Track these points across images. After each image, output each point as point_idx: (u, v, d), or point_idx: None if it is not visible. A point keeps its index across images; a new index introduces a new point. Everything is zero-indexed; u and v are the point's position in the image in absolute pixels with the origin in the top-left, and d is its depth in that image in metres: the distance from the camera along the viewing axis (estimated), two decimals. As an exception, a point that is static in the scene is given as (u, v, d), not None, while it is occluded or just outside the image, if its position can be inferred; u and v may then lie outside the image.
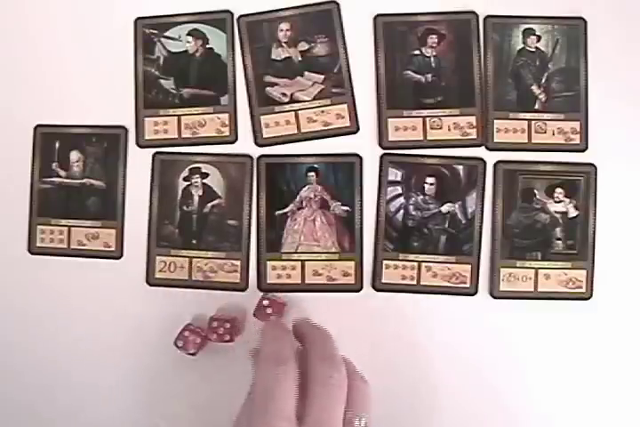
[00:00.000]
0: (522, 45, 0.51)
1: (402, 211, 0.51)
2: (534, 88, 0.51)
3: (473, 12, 0.51)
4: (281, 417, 0.34)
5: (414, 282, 0.51)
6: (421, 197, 0.51)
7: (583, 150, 0.50)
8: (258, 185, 0.51)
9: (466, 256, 0.50)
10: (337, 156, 0.51)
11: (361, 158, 0.51)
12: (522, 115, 0.51)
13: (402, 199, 0.51)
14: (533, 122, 0.50)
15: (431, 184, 0.51)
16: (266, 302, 0.49)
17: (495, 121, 0.50)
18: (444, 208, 0.51)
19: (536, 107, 0.51)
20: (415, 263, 0.51)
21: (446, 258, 0.51)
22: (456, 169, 0.51)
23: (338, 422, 0.35)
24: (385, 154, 0.51)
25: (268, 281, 0.51)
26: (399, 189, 0.51)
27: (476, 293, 0.50)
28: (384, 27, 0.51)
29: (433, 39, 0.51)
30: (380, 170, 0.51)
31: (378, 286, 0.51)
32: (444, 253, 0.51)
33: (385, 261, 0.51)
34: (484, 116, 0.50)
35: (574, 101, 0.50)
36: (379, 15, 0.51)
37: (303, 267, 0.51)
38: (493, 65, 0.51)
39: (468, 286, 0.50)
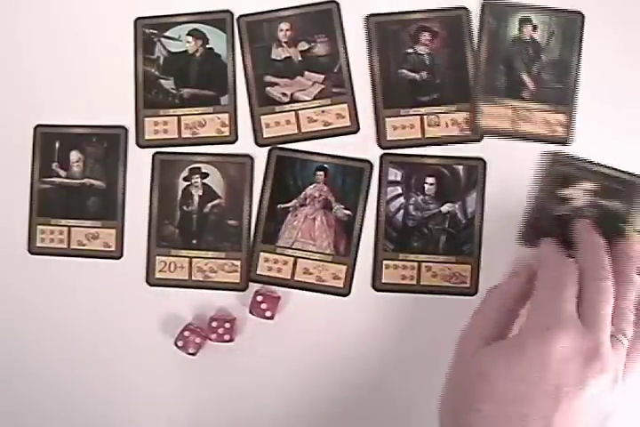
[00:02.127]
0: (517, 33, 0.51)
1: (402, 211, 0.51)
2: (524, 76, 0.51)
3: (464, 8, 0.51)
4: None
5: (414, 282, 0.51)
6: (421, 196, 0.51)
7: (566, 143, 0.50)
8: (265, 176, 0.51)
9: (466, 256, 0.50)
10: (348, 159, 0.51)
11: (371, 165, 0.51)
12: (509, 102, 0.51)
13: (402, 199, 0.51)
14: (520, 110, 0.50)
15: (431, 184, 0.51)
16: (259, 298, 0.49)
17: (482, 105, 0.50)
18: (444, 208, 0.51)
19: (523, 95, 0.51)
20: (415, 263, 0.51)
21: (446, 258, 0.51)
22: (456, 169, 0.51)
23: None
24: (385, 154, 0.51)
25: (258, 272, 0.51)
26: (399, 190, 0.51)
27: (476, 293, 0.50)
28: (376, 26, 0.51)
29: (426, 37, 0.51)
30: (380, 170, 0.51)
31: (378, 286, 0.51)
32: (444, 253, 0.51)
33: (385, 261, 0.51)
34: (472, 102, 0.50)
35: (563, 94, 0.50)
36: (370, 15, 0.51)
37: (295, 263, 0.51)
38: (486, 49, 0.51)
39: (468, 285, 0.50)
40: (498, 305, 0.45)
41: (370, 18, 0.51)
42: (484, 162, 0.50)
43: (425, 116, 0.51)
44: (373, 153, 0.51)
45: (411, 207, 0.51)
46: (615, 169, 0.49)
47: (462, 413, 0.40)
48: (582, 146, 0.50)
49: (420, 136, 0.51)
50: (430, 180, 0.51)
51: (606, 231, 0.47)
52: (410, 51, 0.51)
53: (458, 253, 0.50)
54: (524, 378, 0.38)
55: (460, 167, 0.51)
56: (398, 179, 0.51)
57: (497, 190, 0.50)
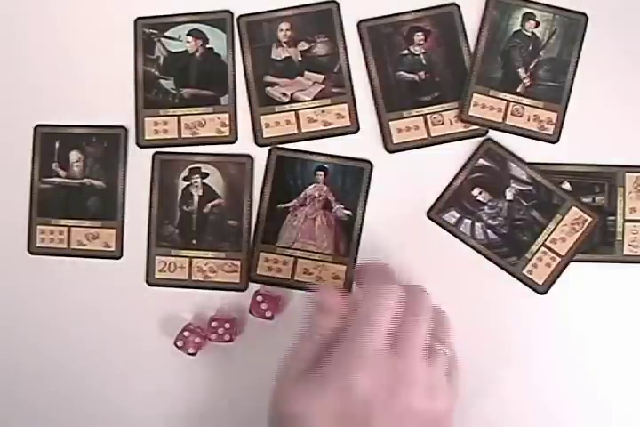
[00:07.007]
0: (519, 28, 0.51)
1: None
2: (521, 71, 0.51)
3: (454, 4, 0.51)
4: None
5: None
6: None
7: (554, 142, 0.50)
8: (265, 176, 0.51)
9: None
10: (348, 159, 0.51)
11: (371, 165, 0.51)
12: (502, 94, 0.51)
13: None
14: (512, 104, 0.50)
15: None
16: (259, 298, 0.49)
17: (474, 95, 0.51)
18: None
19: (518, 90, 0.51)
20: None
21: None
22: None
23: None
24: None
25: (258, 272, 0.51)
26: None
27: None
28: (369, 31, 0.51)
29: (419, 36, 0.51)
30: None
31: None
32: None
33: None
34: (465, 89, 0.50)
35: (557, 93, 0.50)
36: (362, 21, 0.51)
37: (295, 263, 0.51)
38: (486, 40, 0.51)
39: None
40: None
41: (361, 23, 0.51)
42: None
43: (428, 116, 0.51)
44: (375, 153, 0.51)
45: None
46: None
47: None
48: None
49: (425, 136, 0.51)
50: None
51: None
52: (405, 52, 0.51)
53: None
54: (329, 410, 0.37)
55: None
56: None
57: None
